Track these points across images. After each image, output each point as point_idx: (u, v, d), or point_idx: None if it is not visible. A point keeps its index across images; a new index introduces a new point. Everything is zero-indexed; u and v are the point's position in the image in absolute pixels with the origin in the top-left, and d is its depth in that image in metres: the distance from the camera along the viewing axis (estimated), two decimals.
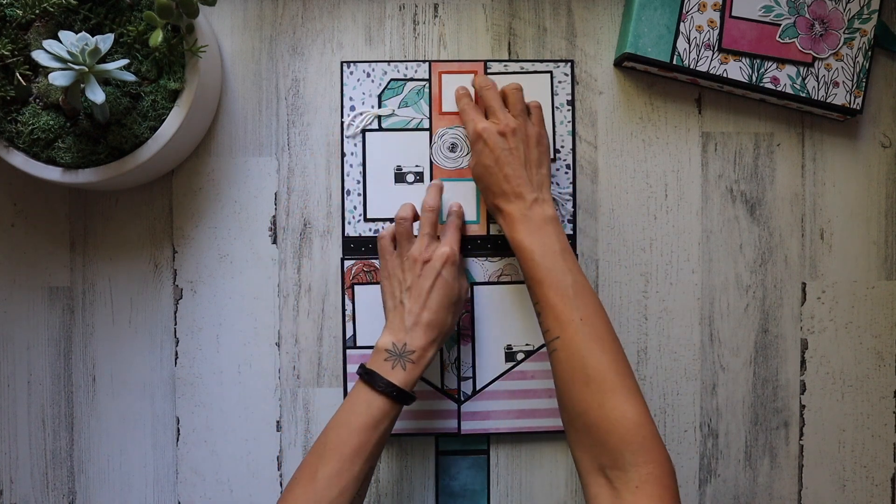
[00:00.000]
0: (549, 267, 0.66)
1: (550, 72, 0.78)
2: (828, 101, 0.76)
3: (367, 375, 0.65)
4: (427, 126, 0.78)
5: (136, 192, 0.78)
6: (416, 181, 0.78)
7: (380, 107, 0.77)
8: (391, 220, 0.78)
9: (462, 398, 0.78)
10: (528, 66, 0.78)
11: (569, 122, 0.78)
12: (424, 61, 0.78)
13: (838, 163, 0.80)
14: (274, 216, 0.78)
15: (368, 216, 0.78)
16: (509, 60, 0.79)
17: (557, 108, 0.78)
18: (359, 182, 0.78)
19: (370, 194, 0.77)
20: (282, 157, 0.78)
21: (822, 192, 0.80)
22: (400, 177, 0.78)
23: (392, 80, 0.78)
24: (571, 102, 0.79)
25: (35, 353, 0.78)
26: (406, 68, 0.78)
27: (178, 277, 0.78)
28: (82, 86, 0.61)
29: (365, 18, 0.79)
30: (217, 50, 0.75)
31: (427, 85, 0.78)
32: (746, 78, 0.76)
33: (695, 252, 0.80)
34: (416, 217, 0.74)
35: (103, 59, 0.62)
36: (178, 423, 0.78)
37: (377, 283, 0.77)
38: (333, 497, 0.61)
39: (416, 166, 0.78)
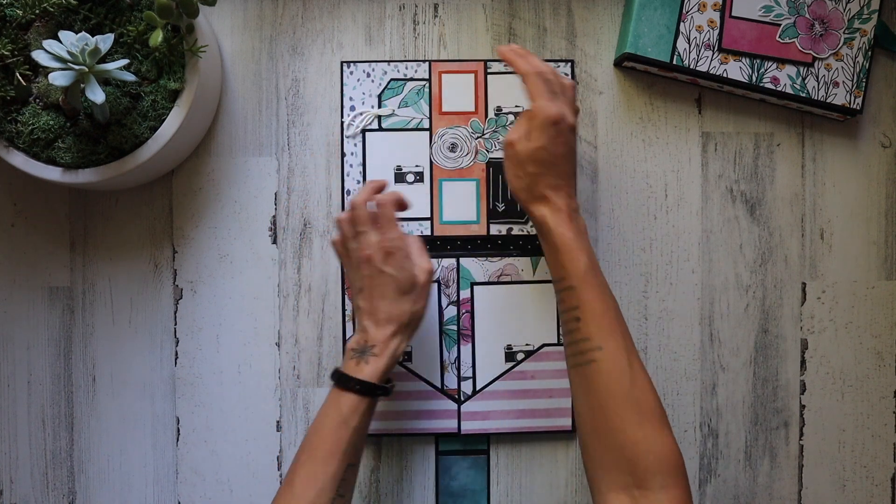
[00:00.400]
0: (595, 274, 0.64)
1: None
2: (828, 101, 0.76)
3: (334, 376, 0.66)
4: (427, 126, 0.78)
5: (136, 192, 0.78)
6: (416, 181, 0.78)
7: (380, 107, 0.77)
8: None
9: (462, 398, 0.78)
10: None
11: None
12: (424, 61, 0.78)
13: (838, 163, 0.80)
14: (274, 216, 0.78)
15: None
16: None
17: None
18: (359, 182, 0.78)
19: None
20: (282, 157, 0.78)
21: (822, 192, 0.80)
22: (400, 177, 0.78)
23: (392, 79, 0.78)
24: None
25: (35, 353, 0.78)
26: (406, 68, 0.78)
27: (178, 277, 0.78)
28: (82, 86, 0.61)
29: (365, 18, 0.79)
30: (217, 50, 0.75)
31: (427, 85, 0.78)
32: (746, 78, 0.76)
33: (695, 252, 0.80)
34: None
35: (103, 59, 0.62)
36: (178, 423, 0.78)
37: None
38: (311, 498, 0.61)
39: (417, 166, 0.78)
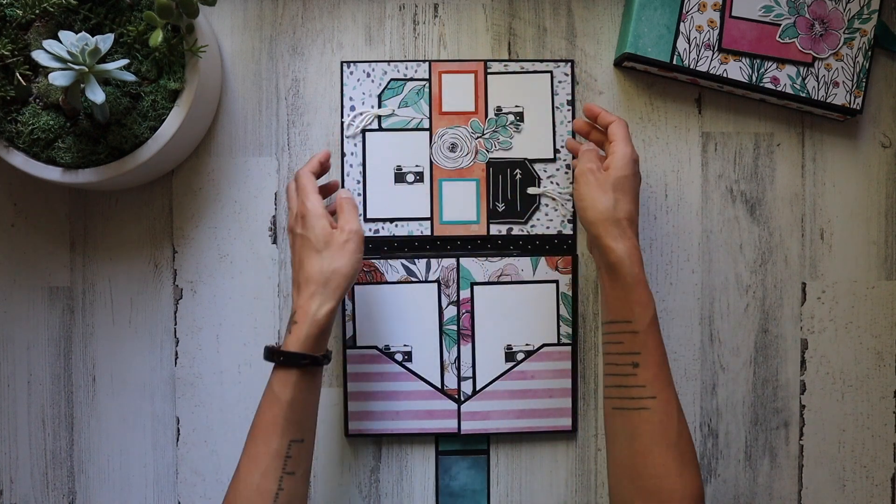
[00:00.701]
0: (653, 324, 0.64)
1: (550, 72, 0.78)
2: (828, 101, 0.76)
3: (264, 353, 0.65)
4: (427, 126, 0.78)
5: (136, 192, 0.78)
6: (416, 181, 0.78)
7: (380, 107, 0.77)
8: (391, 220, 0.78)
9: (462, 398, 0.78)
10: (528, 66, 0.78)
11: (569, 122, 0.78)
12: (424, 61, 0.78)
13: (838, 163, 0.80)
14: (274, 216, 0.78)
15: (368, 216, 0.78)
16: (509, 60, 0.79)
17: (557, 108, 0.78)
18: (359, 182, 0.78)
19: (370, 194, 0.77)
20: (282, 157, 0.78)
21: (822, 192, 0.80)
22: (400, 177, 0.78)
23: (392, 79, 0.78)
24: (571, 102, 0.79)
25: (35, 353, 0.78)
26: (406, 68, 0.78)
27: (178, 277, 0.78)
28: (82, 86, 0.61)
29: (365, 18, 0.79)
30: (217, 50, 0.75)
31: (427, 85, 0.78)
32: (746, 78, 0.76)
33: (695, 252, 0.80)
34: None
35: (103, 59, 0.62)
36: (178, 423, 0.78)
37: (377, 283, 0.77)
38: (257, 480, 0.61)
39: (417, 166, 0.78)
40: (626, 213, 0.65)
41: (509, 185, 0.78)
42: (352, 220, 0.66)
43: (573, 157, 0.77)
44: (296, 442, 0.63)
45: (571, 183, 0.78)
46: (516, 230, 0.78)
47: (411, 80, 0.78)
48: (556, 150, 0.78)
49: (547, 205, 0.79)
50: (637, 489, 0.62)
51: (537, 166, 0.78)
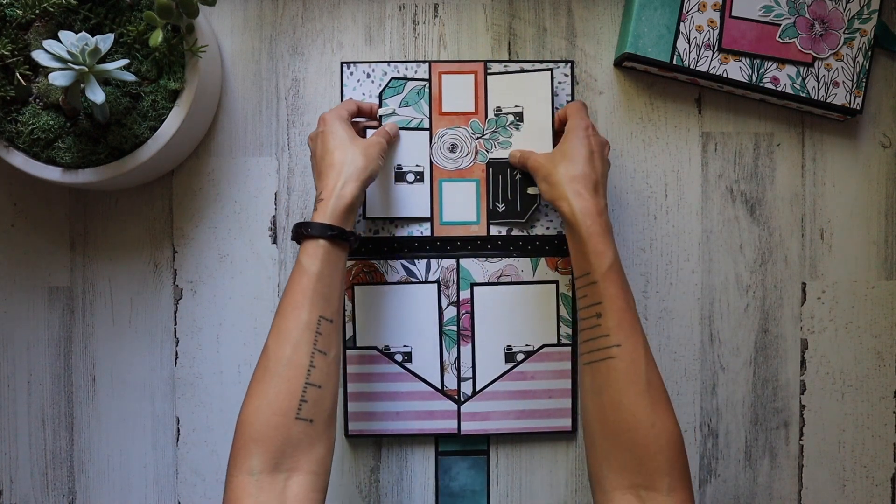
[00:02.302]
0: (619, 270, 0.64)
1: (550, 70, 0.78)
2: (828, 101, 0.76)
3: (292, 234, 0.66)
4: (427, 126, 0.78)
5: (136, 192, 0.78)
6: (416, 181, 0.78)
7: (381, 106, 0.77)
8: (391, 219, 0.78)
9: (462, 399, 0.78)
10: (528, 66, 0.78)
11: None
12: (424, 61, 0.78)
13: (838, 163, 0.80)
14: (274, 216, 0.78)
15: (368, 216, 0.78)
16: (509, 60, 0.79)
17: (557, 108, 0.78)
18: None
19: (370, 194, 0.77)
20: (282, 157, 0.78)
21: (822, 192, 0.80)
22: (400, 176, 0.78)
23: (393, 78, 0.78)
24: None
25: (35, 353, 0.78)
26: (406, 68, 0.78)
27: (178, 277, 0.78)
28: (82, 86, 0.61)
29: (365, 18, 0.79)
30: (217, 50, 0.75)
31: (427, 85, 0.78)
32: (746, 78, 0.76)
33: (695, 252, 0.80)
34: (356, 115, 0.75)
35: (103, 59, 0.62)
36: (178, 423, 0.78)
37: (377, 283, 0.77)
38: (288, 355, 0.59)
39: (417, 166, 0.78)
40: (578, 180, 0.66)
41: (509, 186, 0.78)
42: (381, 136, 0.71)
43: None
44: (325, 319, 0.61)
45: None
46: (516, 231, 0.78)
47: (411, 79, 0.78)
48: None
49: (547, 205, 0.79)
50: (613, 446, 0.60)
51: None
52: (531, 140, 0.77)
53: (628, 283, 0.64)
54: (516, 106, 0.78)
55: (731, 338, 0.80)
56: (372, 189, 0.77)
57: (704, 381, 0.80)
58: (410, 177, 0.78)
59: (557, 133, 0.74)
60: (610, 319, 0.62)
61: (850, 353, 0.80)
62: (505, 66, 0.78)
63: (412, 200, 0.77)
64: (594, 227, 0.64)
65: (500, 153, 0.78)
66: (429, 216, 0.78)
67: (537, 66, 0.78)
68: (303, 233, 0.63)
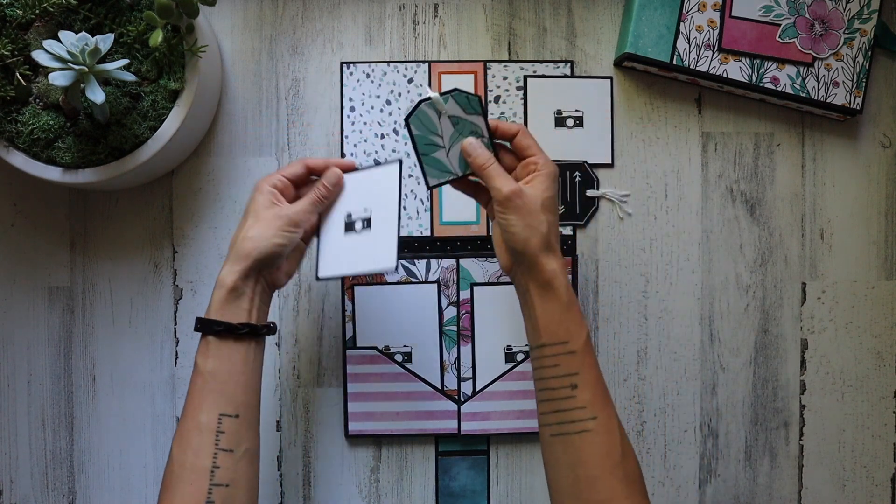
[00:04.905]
0: (588, 342, 0.60)
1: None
2: (828, 101, 0.76)
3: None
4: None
5: (136, 192, 0.78)
6: (363, 228, 0.76)
7: (409, 128, 0.65)
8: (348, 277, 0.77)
9: (462, 399, 0.78)
10: (529, 67, 0.78)
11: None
12: (424, 61, 0.78)
13: (838, 163, 0.80)
14: None
15: (321, 276, 0.76)
16: (509, 61, 0.79)
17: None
18: None
19: (322, 251, 0.76)
20: (282, 158, 0.78)
21: (822, 192, 0.80)
22: (350, 226, 0.77)
23: (421, 101, 0.65)
24: None
25: (35, 353, 0.78)
26: (406, 69, 0.78)
27: (178, 277, 0.78)
28: (82, 86, 0.61)
29: (365, 18, 0.79)
30: (217, 50, 0.75)
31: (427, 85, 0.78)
32: (746, 78, 0.76)
33: (695, 252, 0.80)
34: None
35: (103, 59, 0.62)
36: (178, 424, 0.78)
37: (377, 283, 0.77)
38: (190, 460, 0.58)
39: (364, 210, 0.77)
40: (556, 234, 0.61)
41: None
42: (299, 203, 0.65)
43: (464, 176, 0.66)
44: (227, 416, 0.59)
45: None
46: None
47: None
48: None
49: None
50: None
51: None
52: None
53: (596, 358, 0.62)
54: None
55: (731, 338, 0.80)
56: (322, 245, 0.69)
57: (704, 381, 0.80)
58: (359, 225, 0.68)
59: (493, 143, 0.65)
60: (586, 391, 0.59)
61: (850, 353, 0.80)
62: (505, 66, 0.78)
63: (364, 250, 0.67)
64: (573, 295, 0.61)
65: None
66: (428, 216, 0.78)
67: (538, 66, 0.78)
68: (195, 328, 0.61)
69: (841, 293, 0.80)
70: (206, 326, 0.61)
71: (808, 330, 0.80)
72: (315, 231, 0.69)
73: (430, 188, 0.66)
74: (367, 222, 0.67)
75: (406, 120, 0.64)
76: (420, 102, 0.63)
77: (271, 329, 0.65)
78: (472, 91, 0.77)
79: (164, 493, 0.59)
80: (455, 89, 0.63)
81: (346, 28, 0.79)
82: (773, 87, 0.76)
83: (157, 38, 0.63)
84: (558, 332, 0.60)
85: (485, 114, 0.63)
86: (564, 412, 0.59)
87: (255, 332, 0.62)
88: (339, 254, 0.67)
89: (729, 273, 0.80)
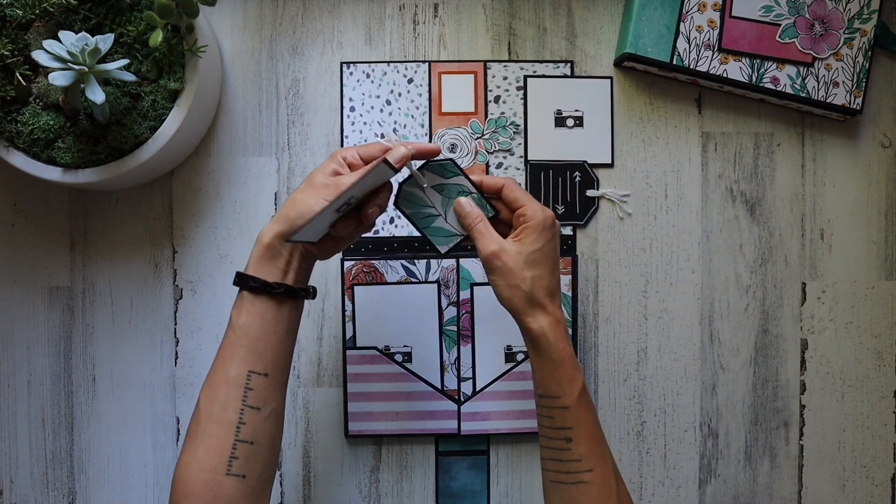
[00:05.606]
0: (587, 393, 0.61)
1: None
2: (828, 101, 0.76)
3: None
4: (426, 125, 0.78)
5: (136, 192, 0.78)
6: None
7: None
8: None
9: (462, 399, 0.78)
10: (529, 67, 0.78)
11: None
12: (424, 61, 0.78)
13: (838, 163, 0.80)
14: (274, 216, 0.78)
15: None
16: (509, 61, 0.79)
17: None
18: None
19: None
20: (282, 157, 0.78)
21: (822, 192, 0.80)
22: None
23: (441, 161, 0.65)
24: None
25: (35, 353, 0.78)
26: (406, 69, 0.78)
27: (178, 277, 0.78)
28: (82, 86, 0.61)
29: (365, 18, 0.79)
30: (217, 50, 0.75)
31: (427, 85, 0.78)
32: (746, 78, 0.76)
33: (695, 252, 0.80)
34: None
35: (103, 59, 0.62)
36: (178, 423, 0.78)
37: (377, 283, 0.77)
38: (217, 413, 0.58)
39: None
40: (544, 288, 0.60)
41: None
42: (352, 175, 0.61)
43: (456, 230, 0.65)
44: (256, 374, 0.59)
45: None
46: None
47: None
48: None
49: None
50: None
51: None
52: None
53: (594, 404, 0.62)
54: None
55: (731, 338, 0.80)
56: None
57: (704, 381, 0.80)
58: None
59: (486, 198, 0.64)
60: (581, 445, 0.59)
61: (850, 353, 0.80)
62: (505, 67, 0.78)
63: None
64: (566, 350, 0.60)
65: (499, 155, 0.78)
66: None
67: (538, 66, 0.78)
68: (234, 280, 0.61)
69: (841, 293, 0.80)
70: (242, 281, 0.61)
71: (808, 330, 0.80)
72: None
73: (443, 256, 0.66)
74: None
75: (395, 205, 0.64)
76: (401, 185, 0.64)
77: (310, 293, 0.64)
78: (473, 91, 0.77)
79: (189, 440, 0.59)
80: (426, 161, 0.63)
81: (346, 28, 0.79)
82: (773, 87, 0.76)
83: (157, 38, 0.63)
84: (550, 387, 0.60)
85: (463, 173, 0.64)
86: (562, 462, 0.60)
87: (291, 293, 0.61)
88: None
89: (729, 273, 0.80)
